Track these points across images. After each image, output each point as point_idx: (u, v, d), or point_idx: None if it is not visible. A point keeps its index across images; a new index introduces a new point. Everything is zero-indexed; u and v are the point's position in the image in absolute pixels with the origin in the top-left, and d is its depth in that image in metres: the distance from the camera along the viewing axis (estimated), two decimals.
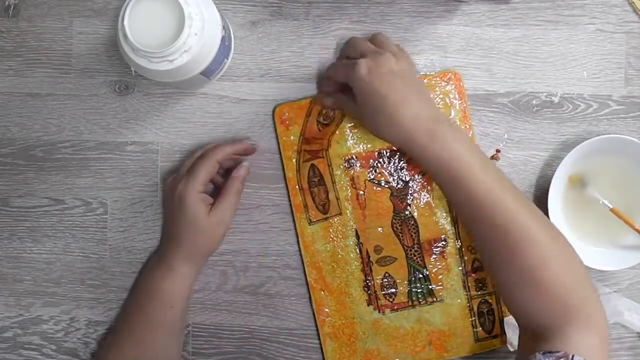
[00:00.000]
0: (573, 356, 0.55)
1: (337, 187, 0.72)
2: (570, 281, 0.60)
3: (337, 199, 0.72)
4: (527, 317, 0.61)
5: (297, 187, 0.72)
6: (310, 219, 0.72)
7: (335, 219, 0.72)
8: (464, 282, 0.72)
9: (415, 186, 0.72)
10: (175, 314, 0.69)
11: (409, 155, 0.64)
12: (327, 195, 0.72)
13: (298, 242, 0.73)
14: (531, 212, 0.62)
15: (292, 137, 0.72)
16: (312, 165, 0.72)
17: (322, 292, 0.72)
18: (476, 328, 0.72)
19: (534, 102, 0.72)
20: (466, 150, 0.62)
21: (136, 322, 0.69)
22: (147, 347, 0.68)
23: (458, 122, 0.72)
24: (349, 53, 0.69)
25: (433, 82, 0.72)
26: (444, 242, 0.72)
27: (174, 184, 0.68)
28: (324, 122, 0.71)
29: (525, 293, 0.60)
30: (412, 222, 0.72)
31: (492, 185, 0.61)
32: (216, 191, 0.70)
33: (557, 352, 0.55)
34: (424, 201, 0.72)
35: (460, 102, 0.72)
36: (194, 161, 0.69)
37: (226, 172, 0.72)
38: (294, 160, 0.72)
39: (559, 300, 0.59)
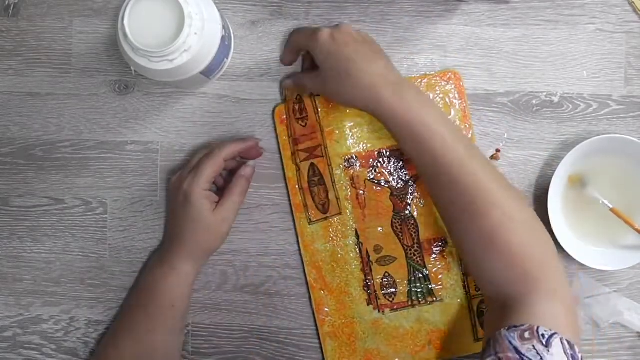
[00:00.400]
0: (538, 328, 0.54)
1: (337, 186, 0.72)
2: (536, 252, 0.60)
3: (337, 198, 0.72)
4: (492, 285, 0.61)
5: (297, 186, 0.72)
6: (310, 219, 0.72)
7: (335, 219, 0.72)
8: (464, 282, 0.72)
9: (415, 186, 0.72)
10: (175, 314, 0.69)
11: (373, 115, 0.64)
12: (327, 195, 0.72)
13: (298, 241, 0.73)
14: (498, 180, 0.62)
15: (288, 119, 0.72)
16: (312, 164, 0.72)
17: (322, 292, 0.72)
18: (476, 328, 0.72)
19: (534, 101, 0.72)
20: (432, 112, 0.62)
21: (136, 321, 0.69)
22: (146, 347, 0.68)
23: (458, 122, 0.72)
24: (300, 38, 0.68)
25: (433, 81, 0.72)
26: (443, 242, 0.72)
27: (179, 182, 0.68)
28: (301, 117, 0.71)
29: (488, 258, 0.60)
30: (412, 222, 0.72)
31: (458, 148, 0.61)
32: (218, 191, 0.70)
33: (522, 325, 0.55)
34: (424, 201, 0.72)
35: (460, 101, 0.72)
36: (200, 159, 0.69)
37: (229, 173, 0.72)
38: (292, 162, 0.72)
39: (524, 268, 0.59)
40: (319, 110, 0.71)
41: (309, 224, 0.72)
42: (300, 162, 0.71)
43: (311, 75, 0.67)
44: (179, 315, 0.69)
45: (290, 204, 0.73)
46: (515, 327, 0.55)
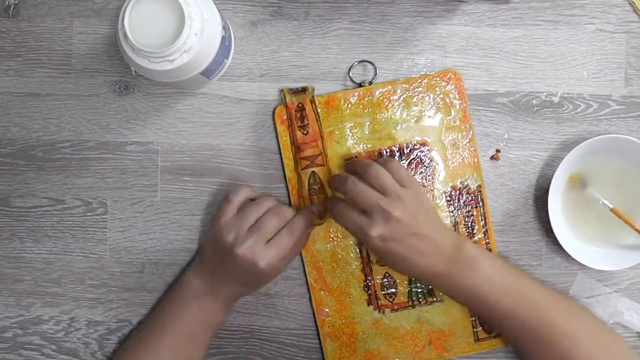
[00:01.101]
0: None
1: (337, 195, 0.72)
2: None
3: None
4: None
5: (296, 187, 0.72)
6: None
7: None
8: None
9: None
10: (198, 349, 0.69)
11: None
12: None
13: None
14: (585, 324, 0.64)
15: (288, 130, 0.72)
16: (313, 172, 0.72)
17: (322, 292, 0.72)
18: (476, 328, 0.72)
19: (534, 101, 0.72)
20: (484, 278, 0.64)
21: (155, 352, 0.69)
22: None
23: (458, 122, 0.72)
24: (354, 200, 0.65)
25: (433, 81, 0.72)
26: None
27: (247, 250, 0.65)
28: (302, 124, 0.71)
29: None
30: None
31: (535, 299, 0.64)
32: None
33: None
34: None
35: (460, 101, 0.72)
36: (261, 215, 0.67)
37: None
38: (294, 169, 0.72)
39: None
40: (321, 118, 0.71)
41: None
42: (301, 169, 0.71)
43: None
44: (203, 348, 0.70)
45: (291, 204, 0.72)
46: None
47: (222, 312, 0.70)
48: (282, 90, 0.72)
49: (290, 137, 0.71)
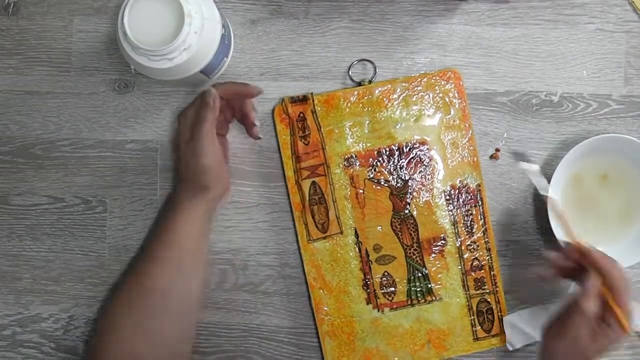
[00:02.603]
0: None
1: (338, 206, 0.72)
2: None
3: (337, 217, 0.72)
4: None
5: (296, 186, 0.72)
6: (309, 237, 0.72)
7: (335, 237, 0.72)
8: (463, 281, 0.72)
9: (414, 185, 0.72)
10: (182, 253, 0.66)
11: None
12: (327, 213, 0.72)
13: (297, 240, 0.73)
14: None
15: (289, 139, 0.72)
16: (314, 182, 0.72)
17: (321, 291, 0.72)
18: (475, 327, 0.72)
19: (534, 101, 0.72)
20: None
21: (140, 258, 0.68)
22: (148, 280, 0.65)
23: (457, 121, 0.72)
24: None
25: (433, 81, 0.72)
26: (443, 241, 0.72)
27: (184, 118, 0.67)
28: (304, 135, 0.71)
29: None
30: (412, 221, 0.72)
31: None
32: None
33: None
34: (424, 200, 0.72)
35: (459, 101, 0.72)
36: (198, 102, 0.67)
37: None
38: (294, 180, 0.72)
39: None
40: (322, 128, 0.71)
41: (308, 242, 0.72)
42: (302, 180, 0.71)
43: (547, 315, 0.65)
44: (186, 255, 0.66)
45: (290, 203, 0.73)
46: None
47: (188, 208, 0.67)
48: (282, 100, 0.72)
49: (291, 147, 0.71)
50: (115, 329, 0.64)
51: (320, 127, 0.71)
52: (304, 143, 0.71)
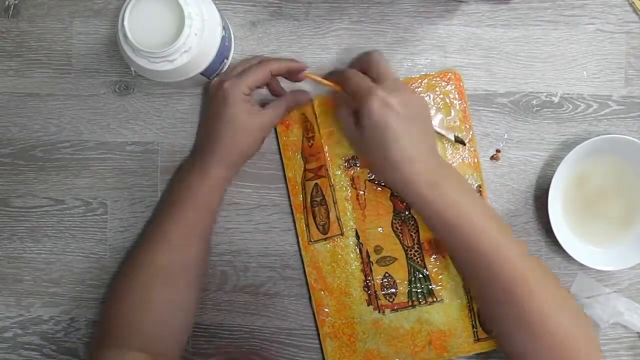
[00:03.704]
0: None
1: (339, 207, 0.72)
2: (579, 340, 0.60)
3: (338, 219, 0.72)
4: None
5: (297, 186, 0.72)
6: (310, 238, 0.72)
7: (337, 238, 0.72)
8: (464, 282, 0.72)
9: None
10: (208, 220, 0.68)
11: (403, 198, 0.63)
12: (328, 215, 0.72)
13: (298, 242, 0.73)
14: (537, 267, 0.62)
15: (292, 137, 0.72)
16: (316, 184, 0.72)
17: (322, 292, 0.72)
18: (476, 328, 0.72)
19: (534, 102, 0.72)
20: (465, 198, 0.62)
21: (171, 231, 0.67)
22: (181, 252, 0.67)
23: (458, 123, 0.72)
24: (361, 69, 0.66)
25: (433, 82, 0.72)
26: None
27: (220, 82, 0.67)
28: (308, 136, 0.72)
29: (529, 345, 0.59)
30: (412, 222, 0.72)
31: (492, 235, 0.61)
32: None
33: None
34: None
35: (460, 102, 0.72)
36: (246, 66, 0.68)
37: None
38: (295, 181, 0.72)
39: (564, 353, 0.59)
40: (320, 131, 0.72)
41: (309, 243, 0.72)
42: (306, 181, 0.71)
43: (352, 130, 0.64)
44: (211, 221, 0.69)
45: (291, 205, 0.73)
46: None
47: (218, 180, 0.68)
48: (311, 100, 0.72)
49: (302, 146, 0.72)
50: (119, 299, 0.68)
51: (319, 130, 0.71)
52: (308, 145, 0.72)
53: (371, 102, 0.61)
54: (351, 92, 0.64)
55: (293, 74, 0.69)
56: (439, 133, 0.70)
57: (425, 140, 0.62)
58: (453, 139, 0.70)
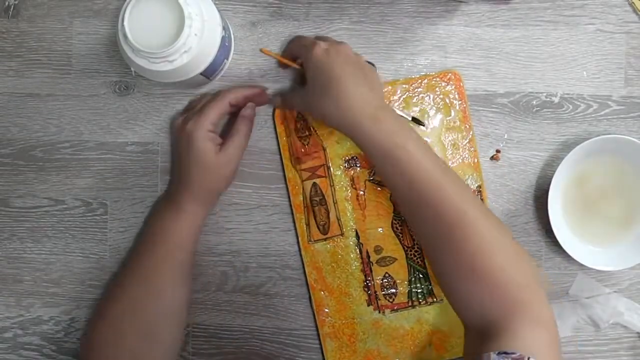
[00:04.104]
0: (529, 358, 0.52)
1: (339, 207, 0.72)
2: (517, 275, 0.58)
3: (338, 219, 0.72)
4: (471, 311, 0.60)
5: (297, 187, 0.72)
6: (310, 238, 0.72)
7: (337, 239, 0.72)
8: None
9: None
10: (183, 257, 0.68)
11: (350, 138, 0.64)
12: (328, 215, 0.72)
13: (298, 242, 0.73)
14: (476, 203, 0.62)
15: (287, 141, 0.72)
16: (314, 184, 0.72)
17: (322, 293, 0.72)
18: None
19: (534, 102, 0.72)
20: (408, 137, 0.62)
21: (143, 264, 0.68)
22: (153, 288, 0.67)
23: (458, 123, 0.72)
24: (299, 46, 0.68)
25: (433, 82, 0.72)
26: None
27: (183, 123, 0.67)
28: (303, 135, 0.71)
29: (468, 285, 0.59)
30: None
31: (435, 173, 0.61)
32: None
33: (513, 353, 0.53)
34: None
35: (460, 102, 0.72)
36: (205, 102, 0.69)
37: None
38: (295, 181, 0.72)
39: (505, 293, 0.57)
40: (319, 131, 0.71)
41: (309, 242, 0.72)
42: (303, 181, 0.71)
43: (300, 92, 0.68)
44: (187, 259, 0.68)
45: (291, 205, 0.73)
46: (506, 353, 0.53)
47: (193, 216, 0.68)
48: (272, 100, 0.72)
49: (289, 148, 0.71)
50: (105, 313, 0.69)
51: (315, 128, 0.71)
52: (303, 143, 0.71)
53: (314, 50, 0.64)
54: (297, 52, 0.68)
55: (255, 99, 0.71)
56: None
57: (365, 83, 0.64)
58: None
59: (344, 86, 0.62)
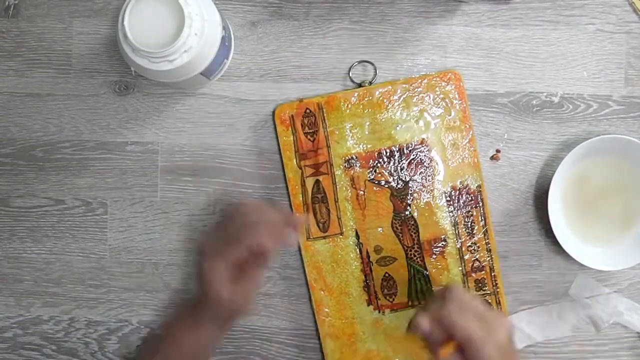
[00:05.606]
0: None
1: (339, 207, 0.72)
2: None
3: (339, 218, 0.72)
4: None
5: (297, 187, 0.72)
6: (309, 235, 0.72)
7: (336, 237, 0.72)
8: (464, 282, 0.72)
9: (415, 186, 0.72)
10: None
11: None
12: (329, 213, 0.72)
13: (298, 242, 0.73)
14: None
15: (292, 137, 0.72)
16: (317, 181, 0.72)
17: (322, 292, 0.72)
18: None
19: (534, 102, 0.72)
20: None
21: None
22: None
23: (458, 122, 0.72)
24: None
25: (433, 82, 0.72)
26: (444, 242, 0.72)
27: (202, 258, 0.63)
28: (310, 131, 0.71)
29: None
30: (412, 222, 0.72)
31: None
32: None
33: None
34: (424, 201, 0.72)
35: (460, 102, 0.72)
36: (232, 232, 0.64)
37: None
38: (298, 175, 0.72)
39: None
40: (328, 125, 0.71)
41: (307, 239, 0.72)
42: (306, 177, 0.71)
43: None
44: None
45: (291, 204, 0.73)
46: None
47: (210, 336, 0.66)
48: (301, 100, 0.72)
49: (295, 144, 0.71)
50: None
51: (327, 125, 0.71)
52: (309, 139, 0.71)
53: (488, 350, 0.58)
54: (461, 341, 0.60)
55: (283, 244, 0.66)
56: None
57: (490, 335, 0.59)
58: None
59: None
